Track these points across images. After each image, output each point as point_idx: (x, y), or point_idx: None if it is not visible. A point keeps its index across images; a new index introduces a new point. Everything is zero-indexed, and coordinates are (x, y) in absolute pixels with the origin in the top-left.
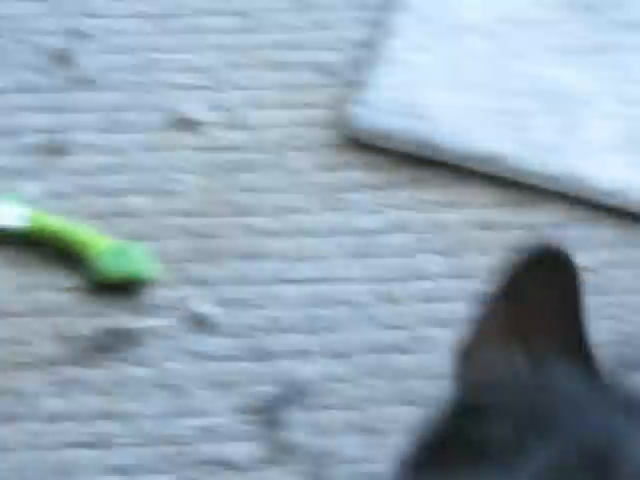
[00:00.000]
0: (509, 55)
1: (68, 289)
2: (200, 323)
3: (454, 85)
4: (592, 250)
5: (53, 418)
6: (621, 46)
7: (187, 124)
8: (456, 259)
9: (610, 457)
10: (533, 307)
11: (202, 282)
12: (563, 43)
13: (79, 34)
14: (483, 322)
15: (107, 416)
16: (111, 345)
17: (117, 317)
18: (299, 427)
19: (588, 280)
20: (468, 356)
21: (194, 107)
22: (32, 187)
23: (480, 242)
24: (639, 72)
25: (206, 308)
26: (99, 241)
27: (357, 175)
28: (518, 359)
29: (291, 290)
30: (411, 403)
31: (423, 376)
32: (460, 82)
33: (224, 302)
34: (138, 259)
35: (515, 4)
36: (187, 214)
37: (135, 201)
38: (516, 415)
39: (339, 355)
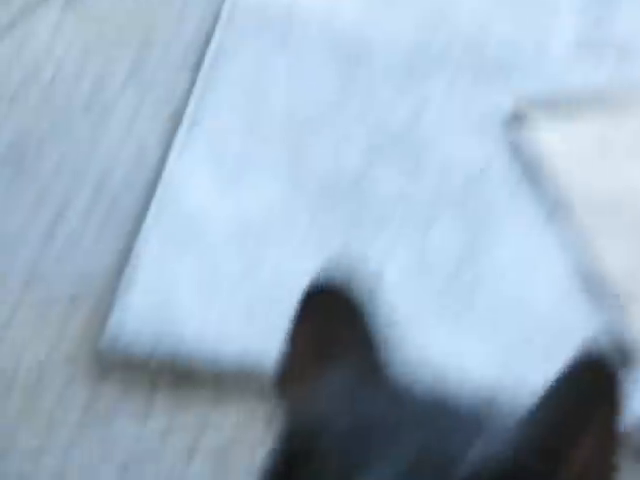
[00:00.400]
0: (259, 256)
1: None
2: None
3: (207, 294)
4: None
5: None
6: (375, 231)
7: None
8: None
9: (443, 459)
10: (328, 335)
11: None
12: (314, 234)
13: None
14: (286, 361)
15: None
16: None
17: None
18: None
19: None
20: (284, 393)
21: None
22: None
23: (241, 455)
24: (395, 257)
25: None
26: None
27: (116, 394)
28: (328, 387)
29: None
30: None
31: None
32: (212, 290)
33: None
34: None
35: (263, 204)
36: None
37: None
38: (342, 448)
39: None
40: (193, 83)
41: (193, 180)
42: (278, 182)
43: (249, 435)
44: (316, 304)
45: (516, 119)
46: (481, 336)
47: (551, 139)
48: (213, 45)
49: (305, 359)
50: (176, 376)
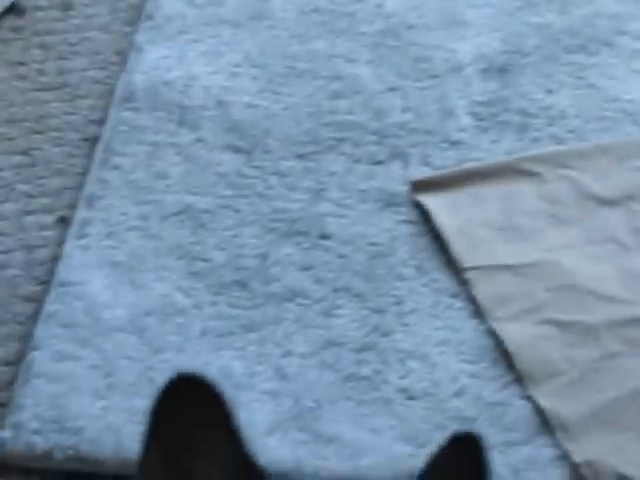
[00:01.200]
0: (158, 350)
1: None
2: None
3: (103, 390)
4: None
5: None
6: (275, 319)
7: None
8: None
9: None
10: (186, 441)
11: None
12: (215, 326)
13: None
14: (145, 471)
15: None
16: None
17: None
18: None
19: None
20: None
21: None
22: None
23: None
24: (296, 344)
25: None
26: None
27: None
28: None
29: None
30: None
31: None
32: (110, 386)
33: None
34: None
35: (158, 296)
36: None
37: None
38: None
39: None
40: (85, 175)
41: (86, 283)
42: (174, 276)
43: None
44: (180, 391)
45: (419, 192)
46: (388, 425)
47: (454, 211)
48: (105, 135)
49: (169, 451)
50: (74, 472)
